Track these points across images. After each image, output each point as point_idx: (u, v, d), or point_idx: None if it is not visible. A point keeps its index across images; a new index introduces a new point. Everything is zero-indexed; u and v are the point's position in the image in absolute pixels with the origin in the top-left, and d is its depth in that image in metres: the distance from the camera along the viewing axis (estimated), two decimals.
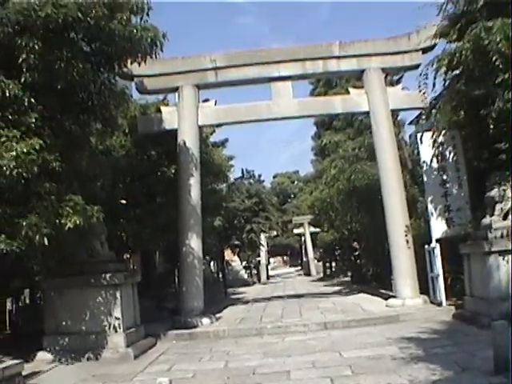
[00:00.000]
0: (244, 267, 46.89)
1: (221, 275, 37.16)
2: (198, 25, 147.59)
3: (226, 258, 41.75)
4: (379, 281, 25.92)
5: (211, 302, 23.61)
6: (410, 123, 27.30)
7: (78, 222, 11.39)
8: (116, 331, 13.67)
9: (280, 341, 14.40)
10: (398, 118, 25.45)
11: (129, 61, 13.73)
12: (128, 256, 25.61)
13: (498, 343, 8.85)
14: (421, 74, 15.28)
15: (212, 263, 43.45)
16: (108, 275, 13.73)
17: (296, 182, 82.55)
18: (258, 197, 41.87)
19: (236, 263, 45.11)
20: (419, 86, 15.33)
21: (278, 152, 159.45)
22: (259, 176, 48.66)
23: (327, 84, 34.50)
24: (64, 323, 13.92)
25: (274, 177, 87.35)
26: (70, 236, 12.03)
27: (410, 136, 24.59)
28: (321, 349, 12.71)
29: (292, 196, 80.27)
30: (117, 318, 13.72)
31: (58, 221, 11.31)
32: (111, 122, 14.64)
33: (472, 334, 12.62)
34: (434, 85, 15.15)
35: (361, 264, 34.09)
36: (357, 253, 34.85)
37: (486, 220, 14.24)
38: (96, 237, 14.41)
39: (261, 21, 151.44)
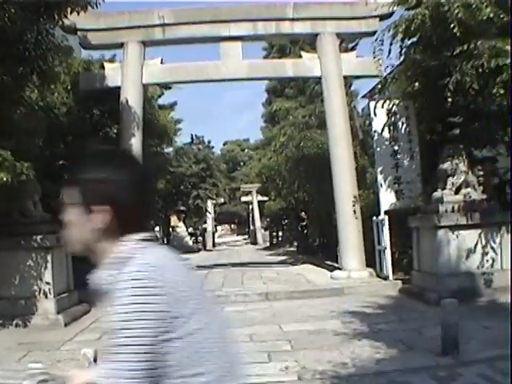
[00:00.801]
0: (189, 234, 46.22)
1: (165, 241, 36.44)
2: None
3: (172, 223, 41.16)
4: (325, 252, 25.54)
5: None
6: (364, 96, 26.87)
7: (4, 178, 10.54)
8: (46, 297, 12.88)
9: None
10: (351, 88, 24.90)
11: (69, 10, 12.77)
12: None
13: (446, 322, 8.35)
14: (376, 39, 14.65)
15: (157, 228, 42.81)
16: (39, 237, 12.89)
17: (246, 150, 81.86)
18: (205, 162, 41.29)
19: (181, 229, 44.44)
20: (374, 52, 14.70)
21: (230, 119, 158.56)
22: (209, 142, 48.01)
23: (281, 50, 33.51)
24: None
25: (224, 144, 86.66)
26: None
27: (363, 109, 24.16)
28: (260, 321, 12.16)
29: (241, 164, 79.67)
30: (47, 283, 12.91)
31: None
32: (49, 74, 13.69)
33: (418, 310, 12.22)
34: (389, 51, 14.54)
35: (307, 234, 33.75)
36: (304, 223, 34.48)
37: (438, 193, 13.83)
38: (28, 196, 13.50)
39: None
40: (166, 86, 30.95)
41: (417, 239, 14.47)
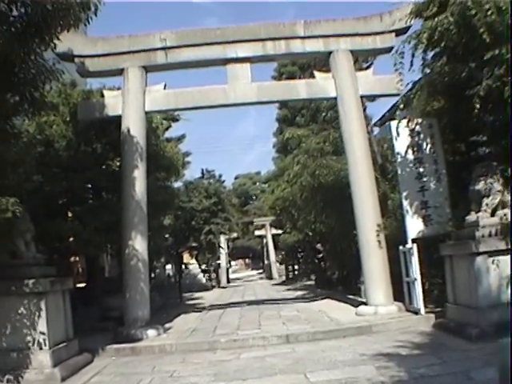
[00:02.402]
0: (202, 270, 44.92)
1: (177, 279, 35.17)
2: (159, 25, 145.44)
3: (184, 261, 40.00)
4: (346, 285, 24.30)
5: (165, 308, 22.47)
6: (375, 124, 25.82)
7: None
8: (41, 348, 11.48)
9: (235, 358, 12.34)
10: (366, 111, 23.77)
11: (58, 29, 11.68)
12: (76, 259, 23.83)
13: (505, 366, 6.94)
14: (397, 51, 13.44)
15: (170, 266, 41.67)
16: (31, 281, 11.53)
17: (258, 183, 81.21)
18: (217, 197, 40.08)
19: (194, 266, 43.21)
20: (395, 65, 13.46)
21: (241, 154, 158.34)
22: (220, 176, 46.95)
23: (290, 78, 32.69)
24: None
25: (235, 178, 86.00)
26: None
27: (375, 135, 22.99)
28: (282, 369, 10.67)
29: (254, 197, 78.99)
30: (42, 333, 11.51)
31: None
32: (41, 102, 12.58)
33: (460, 348, 10.75)
34: (411, 63, 13.25)
35: (325, 267, 32.55)
36: (321, 255, 33.30)
37: (472, 217, 12.48)
38: (19, 235, 12.24)
39: (225, 21, 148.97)
40: (174, 119, 30.05)
41: (450, 268, 13.05)
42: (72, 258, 22.86)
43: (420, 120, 15.10)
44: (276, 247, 54.11)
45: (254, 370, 10.84)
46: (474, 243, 11.70)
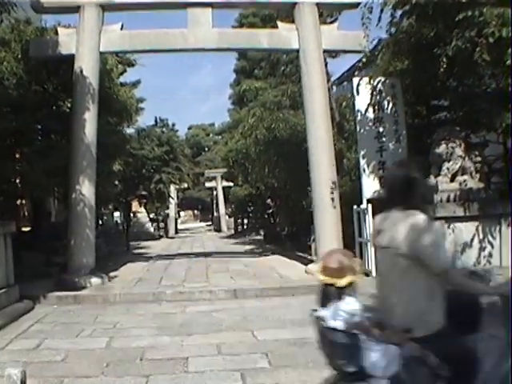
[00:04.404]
0: (151, 220, 44.55)
1: (125, 227, 34.64)
2: None
3: (133, 209, 39.52)
4: (295, 242, 24.10)
5: (111, 256, 22.09)
6: (334, 82, 25.40)
7: None
8: None
9: (180, 311, 11.98)
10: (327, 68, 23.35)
11: None
12: (22, 202, 23.14)
13: None
14: (366, 5, 12.99)
15: (118, 214, 41.15)
16: None
17: (211, 135, 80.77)
18: (169, 145, 39.29)
19: (142, 215, 42.83)
20: (362, 19, 13.01)
21: (196, 104, 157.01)
22: (173, 125, 45.98)
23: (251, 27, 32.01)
24: None
25: (188, 128, 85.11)
26: None
27: (334, 93, 22.61)
28: (229, 325, 10.34)
29: (206, 149, 78.52)
30: None
31: None
32: None
33: None
34: (379, 19, 12.84)
35: (275, 222, 32.36)
36: (271, 210, 33.10)
37: (431, 180, 12.25)
38: None
39: None
40: (129, 63, 29.17)
41: None
42: (18, 201, 22.19)
43: (382, 79, 14.75)
44: (226, 200, 53.83)
45: (199, 324, 10.49)
46: (432, 207, 11.51)
